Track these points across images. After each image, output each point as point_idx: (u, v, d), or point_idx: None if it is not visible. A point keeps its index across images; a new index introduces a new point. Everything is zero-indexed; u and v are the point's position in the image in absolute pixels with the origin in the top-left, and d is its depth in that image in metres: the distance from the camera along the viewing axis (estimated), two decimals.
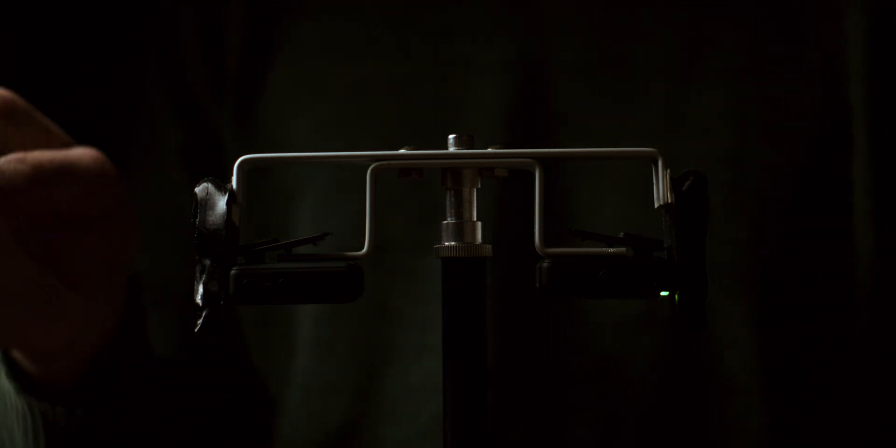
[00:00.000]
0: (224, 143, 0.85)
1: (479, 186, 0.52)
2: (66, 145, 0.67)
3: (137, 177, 0.84)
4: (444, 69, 0.83)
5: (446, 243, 0.51)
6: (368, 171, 0.50)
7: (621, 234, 0.50)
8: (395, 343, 0.81)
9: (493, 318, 0.80)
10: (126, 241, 0.70)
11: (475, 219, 0.52)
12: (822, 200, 0.82)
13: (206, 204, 0.49)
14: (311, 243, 0.51)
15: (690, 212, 0.49)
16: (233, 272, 0.49)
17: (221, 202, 0.49)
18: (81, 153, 0.66)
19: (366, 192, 0.50)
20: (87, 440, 0.75)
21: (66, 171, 0.64)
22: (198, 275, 0.49)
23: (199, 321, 0.49)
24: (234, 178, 0.50)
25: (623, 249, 0.50)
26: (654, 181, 0.50)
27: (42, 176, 0.63)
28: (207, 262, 0.49)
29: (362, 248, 0.51)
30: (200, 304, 0.48)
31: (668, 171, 0.50)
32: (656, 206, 0.50)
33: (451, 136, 0.51)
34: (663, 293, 0.49)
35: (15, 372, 0.72)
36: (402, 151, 0.51)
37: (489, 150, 0.51)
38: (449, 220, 0.52)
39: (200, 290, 0.49)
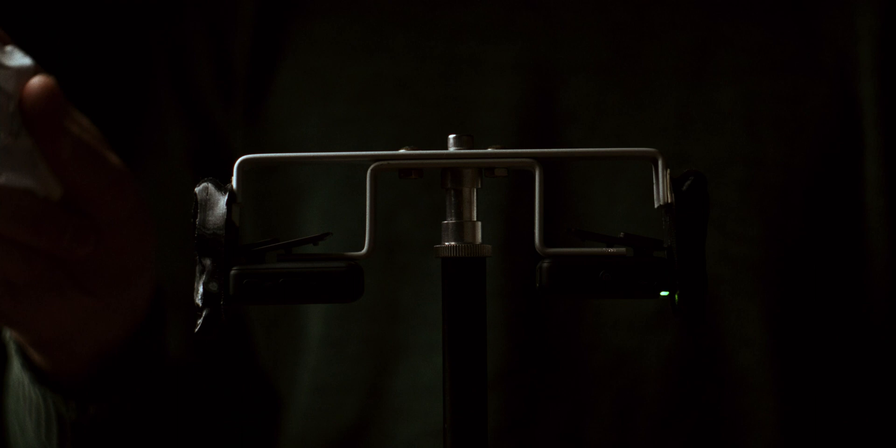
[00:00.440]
0: (233, 143, 0.85)
1: (480, 186, 0.52)
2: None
3: (145, 178, 0.85)
4: (455, 69, 0.83)
5: (446, 243, 0.51)
6: (368, 172, 0.50)
7: (621, 234, 0.50)
8: (405, 341, 0.82)
9: (506, 317, 0.80)
10: (142, 246, 0.70)
11: (475, 219, 0.52)
12: (835, 198, 0.82)
13: (207, 204, 0.49)
14: (312, 243, 0.51)
15: (690, 212, 0.49)
16: (233, 272, 0.49)
17: (221, 202, 0.49)
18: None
19: (366, 191, 0.50)
20: (98, 439, 0.75)
21: (103, 156, 0.64)
22: (198, 275, 0.49)
23: (199, 321, 0.49)
24: (234, 178, 0.50)
25: (623, 249, 0.50)
26: (655, 181, 0.50)
27: (88, 148, 0.63)
28: (207, 262, 0.49)
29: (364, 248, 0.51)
30: (200, 305, 0.49)
31: (669, 171, 0.50)
32: (656, 205, 0.50)
33: (451, 136, 0.51)
34: (663, 293, 0.49)
35: (30, 363, 0.73)
36: (401, 151, 0.51)
37: (489, 150, 0.51)
38: (449, 220, 0.52)
39: (200, 290, 0.49)
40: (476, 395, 0.51)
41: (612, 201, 0.81)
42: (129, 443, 0.76)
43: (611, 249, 0.50)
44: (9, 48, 0.62)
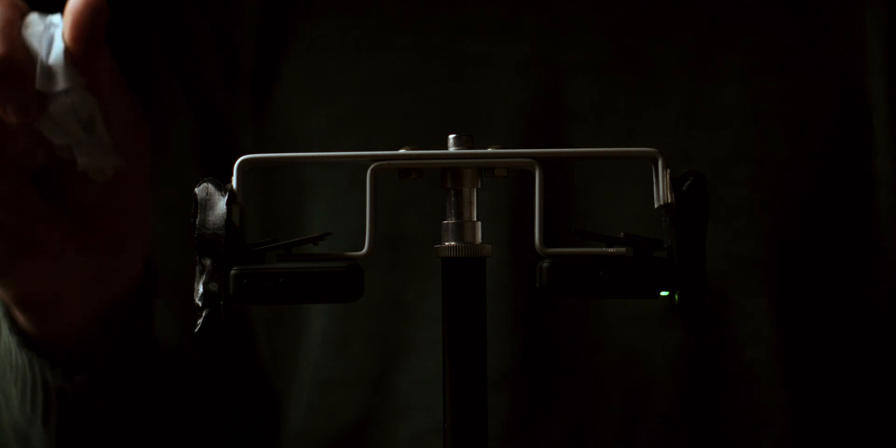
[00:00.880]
0: (238, 137, 0.85)
1: (480, 186, 0.52)
2: None
3: (151, 170, 0.85)
4: (460, 67, 0.83)
5: (446, 243, 0.51)
6: (368, 172, 0.50)
7: (621, 234, 0.50)
8: (408, 338, 0.82)
9: (512, 316, 0.80)
10: (139, 206, 0.71)
11: (475, 219, 0.52)
12: (843, 195, 0.82)
13: (207, 204, 0.49)
14: (312, 243, 0.51)
15: (690, 212, 0.49)
16: (233, 272, 0.49)
17: (221, 202, 0.49)
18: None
19: (366, 192, 0.50)
20: (84, 410, 0.75)
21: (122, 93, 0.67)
22: (198, 275, 0.49)
23: (200, 321, 0.49)
24: (234, 178, 0.50)
25: (623, 249, 0.50)
26: (655, 181, 0.50)
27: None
28: (208, 261, 0.49)
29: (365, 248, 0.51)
30: (200, 304, 0.49)
31: (669, 171, 0.50)
32: (656, 205, 0.50)
33: (451, 136, 0.51)
34: (663, 293, 0.49)
35: (17, 327, 0.73)
36: (401, 151, 0.51)
37: (489, 150, 0.51)
38: (449, 220, 0.52)
39: (200, 290, 0.49)
40: (476, 395, 0.51)
41: (617, 199, 0.81)
42: (118, 429, 0.77)
43: (611, 249, 0.50)
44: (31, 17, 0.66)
